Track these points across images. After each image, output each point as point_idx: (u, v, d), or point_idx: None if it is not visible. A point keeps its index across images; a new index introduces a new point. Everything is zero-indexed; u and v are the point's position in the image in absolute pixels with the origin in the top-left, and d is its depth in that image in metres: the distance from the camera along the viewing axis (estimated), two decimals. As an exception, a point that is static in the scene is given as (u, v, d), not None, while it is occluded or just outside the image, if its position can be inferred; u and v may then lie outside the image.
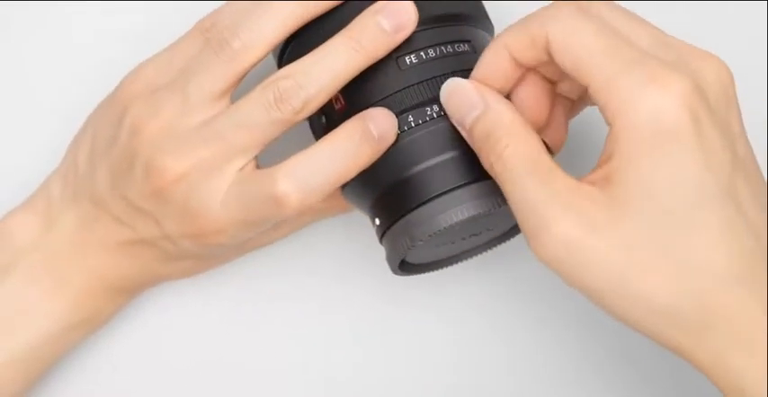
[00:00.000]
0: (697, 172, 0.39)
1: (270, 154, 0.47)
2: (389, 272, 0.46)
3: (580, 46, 0.41)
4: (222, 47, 0.45)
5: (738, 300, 0.39)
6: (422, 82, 0.44)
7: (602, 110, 0.41)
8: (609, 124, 0.40)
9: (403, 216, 0.44)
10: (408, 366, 0.55)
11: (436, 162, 0.44)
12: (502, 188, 0.42)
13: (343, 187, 0.46)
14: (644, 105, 0.39)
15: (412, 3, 0.45)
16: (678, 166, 0.39)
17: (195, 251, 0.48)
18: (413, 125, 0.44)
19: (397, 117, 0.44)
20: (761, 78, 0.56)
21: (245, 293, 0.55)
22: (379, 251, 0.47)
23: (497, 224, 0.47)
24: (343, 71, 0.44)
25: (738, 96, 0.55)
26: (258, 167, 0.46)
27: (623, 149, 0.40)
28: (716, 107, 0.41)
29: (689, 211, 0.39)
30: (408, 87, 0.44)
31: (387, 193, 0.45)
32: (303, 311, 0.55)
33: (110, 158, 0.48)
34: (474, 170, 0.44)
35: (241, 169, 0.45)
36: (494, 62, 0.43)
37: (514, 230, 0.48)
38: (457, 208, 0.43)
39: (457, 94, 0.43)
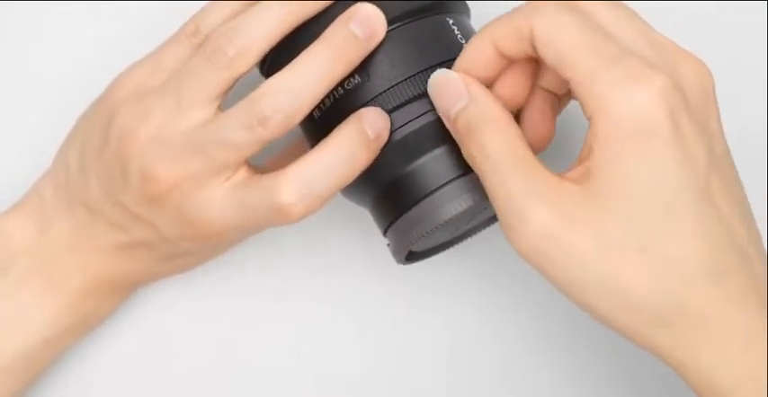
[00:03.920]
0: (673, 169, 0.40)
1: (267, 152, 0.47)
2: (390, 265, 0.46)
3: (563, 39, 0.41)
4: (216, 54, 0.45)
5: (711, 297, 0.40)
6: (408, 78, 0.45)
7: (581, 105, 0.41)
8: (588, 119, 0.41)
9: (405, 211, 0.45)
10: (409, 361, 0.55)
11: (433, 155, 0.45)
12: (482, 180, 0.42)
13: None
14: (623, 101, 0.40)
15: (378, 10, 0.45)
16: (655, 163, 0.40)
17: (192, 250, 0.49)
18: (407, 120, 0.44)
19: (390, 114, 0.45)
20: (761, 78, 0.55)
21: (244, 288, 0.55)
22: (380, 244, 0.47)
23: (487, 211, 0.48)
24: (322, 82, 0.44)
25: (738, 96, 0.55)
26: (251, 168, 0.46)
27: (602, 145, 0.40)
28: (694, 105, 0.41)
29: (664, 208, 0.40)
30: (397, 84, 0.45)
31: (387, 190, 0.46)
32: (302, 306, 0.55)
33: (101, 164, 0.48)
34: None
35: (231, 178, 0.46)
36: (478, 53, 0.44)
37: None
38: (458, 200, 0.44)
39: (444, 85, 0.44)
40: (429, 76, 0.44)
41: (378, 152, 0.45)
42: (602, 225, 0.40)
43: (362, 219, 0.53)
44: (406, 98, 0.44)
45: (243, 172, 0.46)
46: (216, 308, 0.55)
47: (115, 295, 0.51)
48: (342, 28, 0.44)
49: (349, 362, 0.54)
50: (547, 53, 0.41)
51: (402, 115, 0.45)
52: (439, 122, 0.44)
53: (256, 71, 0.48)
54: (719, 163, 0.41)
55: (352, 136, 0.44)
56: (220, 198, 0.45)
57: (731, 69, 0.56)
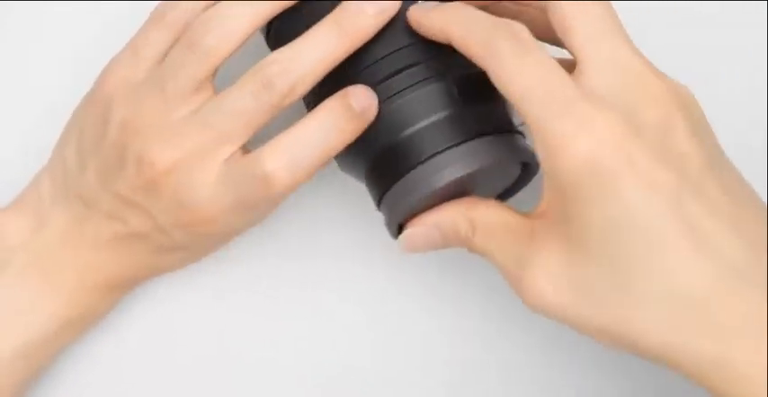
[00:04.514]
0: (637, 206, 0.39)
1: (259, 144, 0.47)
2: (391, 259, 0.46)
3: (516, 85, 0.41)
4: (196, 43, 0.46)
5: (705, 325, 0.39)
6: (402, 47, 0.45)
7: (537, 148, 0.41)
8: (542, 163, 0.41)
9: (396, 181, 0.45)
10: (412, 355, 0.55)
11: (424, 124, 0.45)
12: (481, 254, 0.44)
13: (338, 158, 0.47)
14: (570, 151, 0.40)
15: None
16: (618, 205, 0.39)
17: (187, 242, 0.49)
18: (398, 90, 0.45)
19: (382, 83, 0.45)
20: (761, 78, 0.55)
21: (245, 283, 0.55)
22: (383, 237, 0.47)
23: (489, 185, 0.48)
24: (329, 56, 0.45)
25: (738, 96, 0.55)
26: (246, 151, 0.47)
27: (562, 194, 0.40)
28: (651, 135, 0.40)
29: (639, 243, 0.39)
30: (391, 53, 0.45)
31: (379, 160, 0.46)
32: (304, 300, 0.55)
33: (99, 155, 0.48)
34: (462, 130, 0.44)
35: (229, 157, 0.46)
36: None
37: (509, 192, 0.49)
38: (448, 168, 0.44)
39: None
40: (420, 49, 0.45)
41: (364, 127, 0.45)
42: (586, 275, 0.40)
43: (369, 212, 0.53)
44: (401, 66, 0.45)
45: (238, 154, 0.46)
46: (216, 303, 0.55)
47: (113, 291, 0.51)
48: (353, 4, 0.45)
49: (353, 356, 0.54)
50: (500, 89, 0.42)
51: (396, 83, 0.45)
52: (431, 92, 0.45)
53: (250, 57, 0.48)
54: (697, 183, 0.40)
55: (336, 109, 0.45)
56: (214, 179, 0.46)
57: (731, 69, 0.56)
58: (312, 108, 0.47)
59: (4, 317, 0.49)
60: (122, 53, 0.49)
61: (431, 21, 0.44)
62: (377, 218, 0.54)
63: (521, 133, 0.46)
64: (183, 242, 0.49)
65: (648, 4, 0.55)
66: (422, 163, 0.44)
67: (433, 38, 0.44)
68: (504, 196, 0.49)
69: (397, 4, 0.45)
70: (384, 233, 0.53)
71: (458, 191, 0.46)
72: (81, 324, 0.51)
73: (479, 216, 0.44)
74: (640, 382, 0.54)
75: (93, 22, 0.56)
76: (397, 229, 0.47)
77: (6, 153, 0.55)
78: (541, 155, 0.41)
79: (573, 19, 0.42)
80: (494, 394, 0.54)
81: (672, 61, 0.51)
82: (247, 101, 0.45)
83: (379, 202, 0.47)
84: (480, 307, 0.55)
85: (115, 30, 0.55)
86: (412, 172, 0.45)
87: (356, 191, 0.54)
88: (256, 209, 0.47)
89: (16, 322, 0.49)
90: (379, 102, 0.45)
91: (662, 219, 0.39)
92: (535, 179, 0.48)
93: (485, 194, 0.48)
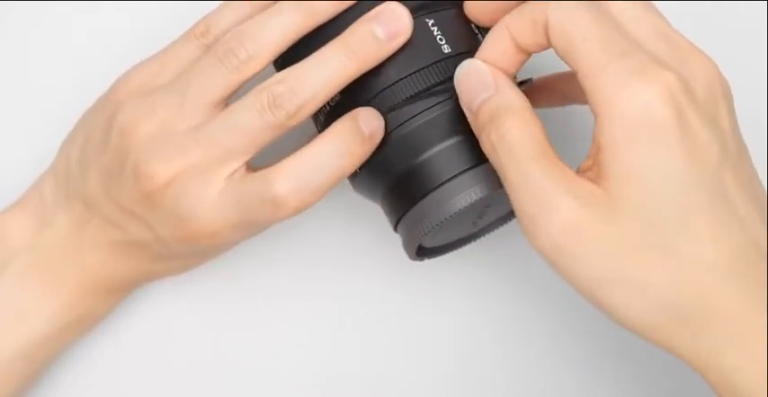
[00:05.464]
0: (683, 166, 0.40)
1: (263, 158, 0.47)
2: (397, 265, 0.46)
3: (574, 31, 0.41)
4: (228, 56, 0.45)
5: (732, 296, 0.39)
6: (419, 70, 0.45)
7: (588, 97, 0.41)
8: (594, 113, 0.41)
9: (415, 203, 0.45)
10: (413, 362, 0.55)
11: (443, 147, 0.45)
12: (500, 171, 0.42)
13: (354, 180, 0.47)
14: (628, 97, 0.40)
15: (406, 9, 0.45)
16: (663, 159, 0.39)
17: (186, 252, 0.49)
18: (414, 113, 0.45)
19: (398, 109, 0.45)
20: (761, 78, 0.55)
21: (244, 287, 0.55)
22: (385, 243, 0.46)
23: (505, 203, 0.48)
24: (336, 78, 0.44)
25: (738, 96, 0.55)
26: (250, 170, 0.46)
27: (609, 142, 0.40)
28: (703, 103, 0.41)
29: (678, 206, 0.39)
30: (409, 75, 0.45)
31: (398, 182, 0.46)
32: (304, 306, 0.55)
33: (101, 160, 0.48)
34: (480, 152, 0.44)
35: (233, 173, 0.45)
36: (496, 45, 0.44)
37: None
38: (468, 191, 0.44)
39: (471, 75, 0.44)
40: (441, 69, 0.44)
41: (372, 150, 0.45)
42: (620, 223, 0.40)
43: (368, 217, 0.53)
44: (415, 91, 0.45)
45: (242, 171, 0.46)
46: (215, 307, 0.55)
47: (113, 294, 0.51)
48: (364, 27, 0.45)
49: (352, 362, 0.54)
50: (558, 43, 0.42)
51: (411, 108, 0.45)
52: (448, 115, 0.44)
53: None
54: (733, 160, 0.41)
55: (346, 132, 0.44)
56: (216, 195, 0.45)
57: (731, 69, 0.56)
58: (322, 125, 0.47)
59: (4, 317, 0.49)
60: (147, 61, 0.48)
61: None
62: (375, 225, 0.54)
63: None
64: (182, 253, 0.49)
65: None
66: (440, 186, 0.44)
67: (495, 13, 0.44)
68: (512, 216, 0.49)
69: (410, 28, 0.45)
70: (383, 240, 0.53)
71: (476, 211, 0.46)
72: (81, 326, 0.51)
73: (527, 127, 0.42)
74: (642, 374, 0.54)
75: (93, 22, 0.56)
76: (416, 251, 0.47)
77: (6, 153, 0.55)
78: (597, 102, 0.40)
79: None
80: None
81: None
82: (253, 119, 0.44)
83: (396, 225, 0.47)
84: (481, 315, 0.55)
85: (115, 30, 0.55)
86: (430, 195, 0.45)
87: (356, 198, 0.54)
88: (257, 228, 0.47)
89: (16, 322, 0.49)
90: (396, 126, 0.45)
91: (700, 186, 0.40)
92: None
93: (503, 209, 0.49)
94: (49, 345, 0.50)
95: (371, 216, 0.53)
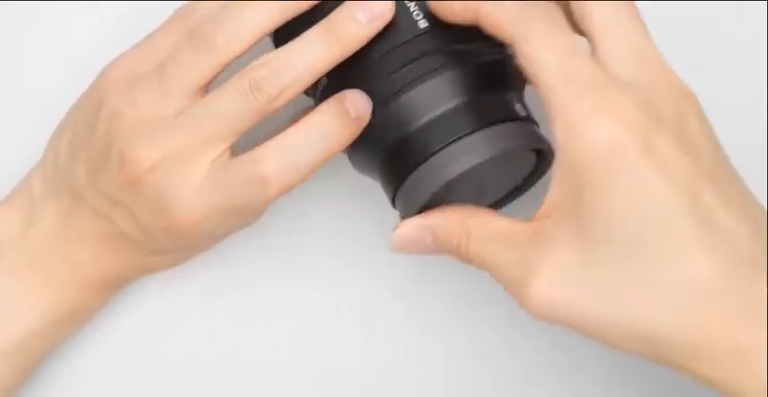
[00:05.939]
0: (655, 191, 0.39)
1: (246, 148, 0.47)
2: (387, 257, 0.46)
3: (544, 61, 0.41)
4: (205, 40, 0.45)
5: (725, 314, 0.39)
6: (408, 40, 0.45)
7: (553, 130, 0.41)
8: (559, 145, 0.41)
9: (409, 174, 0.45)
10: (409, 356, 0.55)
11: (435, 115, 0.45)
12: (474, 263, 0.44)
13: (351, 155, 0.47)
14: (595, 132, 0.40)
15: None
16: (635, 189, 0.39)
17: (173, 245, 0.48)
18: (407, 82, 0.45)
19: (391, 76, 0.45)
20: (761, 78, 0.55)
21: (239, 280, 0.55)
22: (377, 235, 0.46)
23: (503, 178, 0.48)
24: (318, 62, 0.45)
25: (738, 96, 0.55)
26: (233, 155, 0.46)
27: (577, 181, 0.40)
28: (669, 123, 0.41)
29: (657, 233, 0.39)
30: (398, 46, 0.45)
31: (391, 155, 0.46)
32: (299, 298, 0.55)
33: (88, 149, 0.48)
34: (476, 119, 0.44)
35: (216, 158, 0.46)
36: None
37: (521, 188, 0.49)
38: (462, 158, 0.44)
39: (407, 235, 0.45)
40: (427, 39, 0.45)
41: (359, 132, 0.45)
42: (600, 268, 0.40)
43: (361, 207, 0.53)
44: (406, 60, 0.45)
45: (226, 155, 0.46)
46: (207, 301, 0.55)
47: (103, 288, 0.51)
48: (346, 12, 0.45)
49: (348, 355, 0.54)
50: (526, 68, 0.42)
51: (402, 76, 0.45)
52: (442, 82, 0.44)
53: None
54: (710, 171, 0.41)
55: (332, 112, 0.45)
56: (199, 180, 0.46)
57: (731, 69, 0.56)
58: (318, 99, 0.47)
59: None
60: (131, 50, 0.49)
61: None
62: (370, 216, 0.54)
63: (534, 121, 0.46)
64: (168, 246, 0.48)
65: (648, 4, 0.55)
66: (435, 154, 0.44)
67: (458, 17, 0.44)
68: (516, 192, 0.49)
69: (392, 9, 0.45)
70: (379, 231, 0.53)
71: (473, 186, 0.46)
72: (72, 321, 0.51)
73: (474, 224, 0.44)
74: (641, 373, 0.54)
75: (93, 22, 0.56)
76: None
77: (6, 152, 0.55)
78: (560, 137, 0.41)
79: (593, 5, 0.43)
80: (492, 394, 0.54)
81: (671, 61, 0.50)
82: (235, 103, 0.45)
83: (393, 198, 0.47)
84: (479, 306, 0.55)
85: (115, 30, 0.55)
86: (425, 163, 0.44)
87: (349, 189, 0.54)
88: (242, 214, 0.47)
89: (7, 317, 0.49)
90: (390, 95, 0.45)
91: (676, 206, 0.39)
92: (531, 191, 0.48)
93: (499, 190, 0.48)
94: (42, 340, 0.50)
95: (367, 207, 0.53)
